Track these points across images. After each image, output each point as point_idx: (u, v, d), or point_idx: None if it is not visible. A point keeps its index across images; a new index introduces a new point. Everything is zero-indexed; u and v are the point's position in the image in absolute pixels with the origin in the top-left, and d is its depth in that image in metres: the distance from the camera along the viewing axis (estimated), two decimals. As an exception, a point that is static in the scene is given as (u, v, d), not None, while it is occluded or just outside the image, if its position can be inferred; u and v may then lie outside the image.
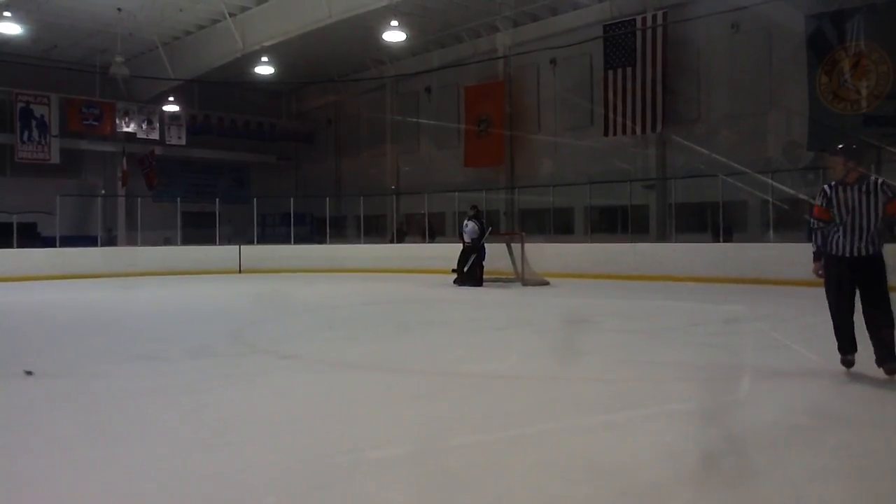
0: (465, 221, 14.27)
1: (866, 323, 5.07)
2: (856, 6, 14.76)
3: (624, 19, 18.49)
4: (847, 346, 5.22)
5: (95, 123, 23.42)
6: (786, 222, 14.92)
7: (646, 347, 6.93)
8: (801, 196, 14.26)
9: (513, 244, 14.48)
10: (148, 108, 24.41)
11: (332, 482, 3.24)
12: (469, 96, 22.48)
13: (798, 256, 13.22)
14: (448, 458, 3.58)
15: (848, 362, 5.24)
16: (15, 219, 18.26)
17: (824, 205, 5.13)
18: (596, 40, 18.76)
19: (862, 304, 5.10)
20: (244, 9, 19.90)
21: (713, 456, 3.59)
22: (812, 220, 5.27)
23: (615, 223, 18.44)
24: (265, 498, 3.10)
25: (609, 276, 15.11)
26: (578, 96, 19.91)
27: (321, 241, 22.10)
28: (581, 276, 15.36)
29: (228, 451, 3.69)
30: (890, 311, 4.98)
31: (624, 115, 18.41)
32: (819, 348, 6.16)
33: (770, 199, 14.51)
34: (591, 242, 17.51)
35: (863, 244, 5.01)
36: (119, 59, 20.44)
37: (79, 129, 23.31)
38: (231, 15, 19.91)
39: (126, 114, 23.97)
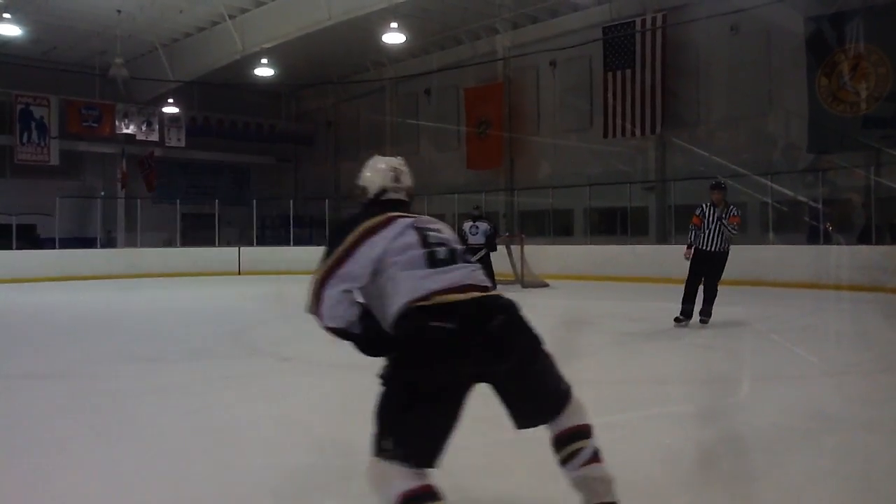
0: (474, 223, 13.51)
1: (703, 289, 7.93)
2: (855, 8, 14.75)
3: (623, 21, 18.49)
4: (687, 309, 7.88)
5: (95, 125, 23.41)
6: (785, 224, 14.93)
7: (646, 349, 6.93)
8: (801, 198, 14.29)
9: (512, 246, 14.47)
10: (147, 109, 24.38)
11: (331, 484, 3.24)
12: (469, 98, 22.48)
13: (797, 258, 13.28)
14: (447, 461, 3.57)
15: (684, 317, 7.88)
16: (14, 220, 18.27)
17: (700, 216, 8.10)
18: (595, 42, 18.75)
19: (704, 279, 7.94)
20: (244, 10, 19.89)
21: (713, 458, 3.59)
22: (691, 225, 8.20)
23: (615, 225, 18.44)
24: (264, 500, 3.10)
25: (609, 278, 15.11)
26: (578, 98, 19.91)
27: (321, 243, 22.05)
28: (581, 277, 15.36)
29: (228, 453, 3.70)
30: (715, 288, 7.95)
31: (623, 117, 18.40)
32: (818, 350, 6.18)
33: (769, 201, 14.53)
34: (591, 244, 17.52)
35: (716, 244, 7.94)
36: (119, 60, 20.43)
37: (78, 131, 23.29)
38: (230, 17, 19.89)
39: (125, 115, 23.94)
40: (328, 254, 2.41)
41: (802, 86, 15.48)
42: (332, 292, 2.37)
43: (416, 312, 2.30)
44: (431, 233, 2.52)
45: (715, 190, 8.20)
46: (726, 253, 8.05)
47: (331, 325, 2.43)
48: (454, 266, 2.46)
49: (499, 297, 2.46)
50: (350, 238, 2.40)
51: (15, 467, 3.50)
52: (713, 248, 7.97)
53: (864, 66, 14.60)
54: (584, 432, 2.54)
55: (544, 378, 2.52)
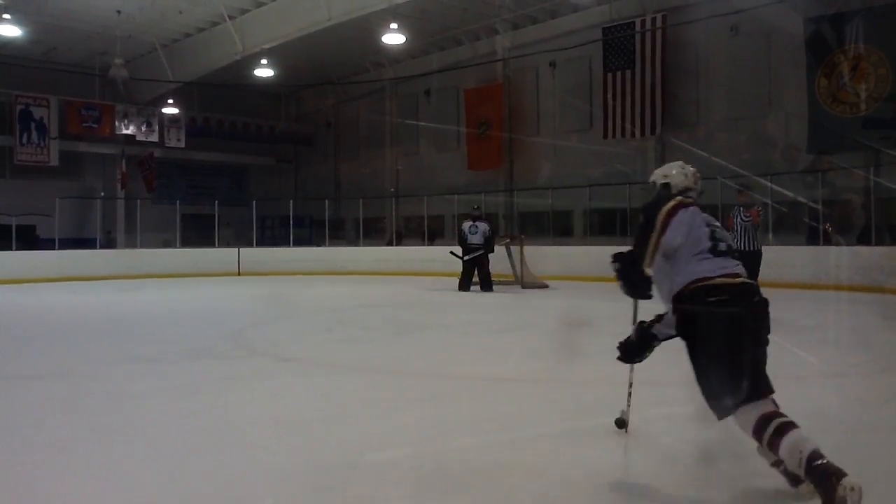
0: (474, 223, 13.54)
1: None
2: (854, 9, 14.77)
3: (623, 22, 18.49)
4: None
5: (95, 126, 23.41)
6: (785, 225, 14.94)
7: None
8: (800, 199, 14.29)
9: (512, 247, 14.46)
10: (147, 110, 24.39)
11: (330, 484, 3.24)
12: (469, 99, 22.48)
13: (797, 259, 13.27)
14: (447, 460, 3.58)
15: None
16: (14, 221, 18.26)
17: (733, 217, 8.96)
18: (595, 43, 18.76)
19: None
20: (243, 11, 19.90)
21: (712, 458, 3.59)
22: (727, 228, 8.91)
23: (614, 226, 18.42)
24: (263, 500, 3.11)
25: (608, 279, 14.84)
26: (578, 99, 19.91)
27: (320, 244, 22.12)
28: (580, 278, 15.35)
29: (227, 454, 3.69)
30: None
31: (623, 118, 18.41)
32: (817, 351, 6.18)
33: (769, 202, 14.54)
34: (591, 245, 17.50)
35: (744, 243, 8.72)
36: (118, 61, 20.44)
37: (78, 132, 23.29)
38: (230, 17, 19.90)
39: (125, 116, 23.94)
40: (654, 213, 3.16)
41: (802, 86, 15.49)
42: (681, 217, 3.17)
43: (700, 287, 3.05)
44: (717, 230, 3.24)
45: (739, 194, 9.49)
46: (757, 252, 8.90)
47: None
48: (729, 259, 3.15)
49: (756, 285, 3.12)
50: (672, 203, 3.20)
51: (14, 468, 3.49)
52: (743, 248, 8.77)
53: (863, 66, 14.61)
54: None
55: (766, 355, 3.11)
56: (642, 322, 3.45)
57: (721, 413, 3.02)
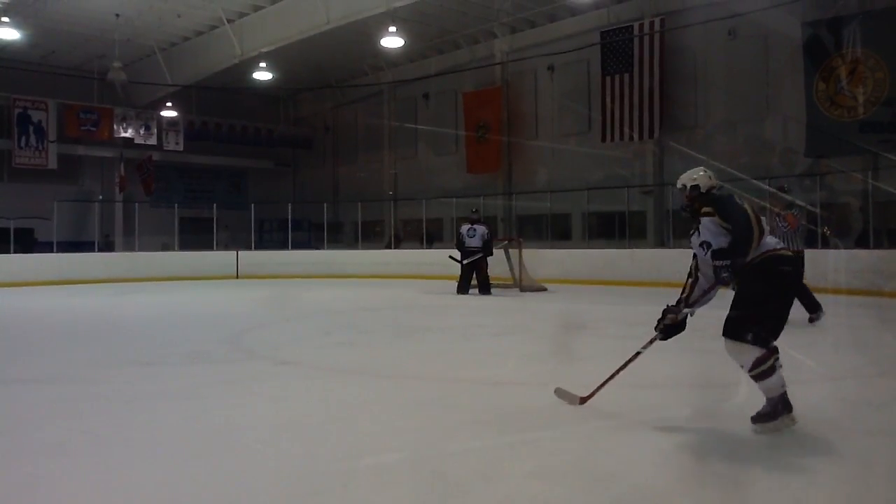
0: (472, 226, 13.50)
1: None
2: (852, 13, 14.81)
3: (621, 26, 18.54)
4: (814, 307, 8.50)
5: (93, 129, 23.40)
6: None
7: (643, 353, 6.91)
8: (798, 202, 14.29)
9: (510, 250, 14.46)
10: (146, 113, 24.39)
11: (328, 488, 3.24)
12: (467, 102, 22.51)
13: (795, 262, 13.30)
14: (445, 464, 3.58)
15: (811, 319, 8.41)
16: (12, 224, 18.23)
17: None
18: (593, 47, 18.81)
19: None
20: (242, 15, 19.93)
21: (709, 462, 3.59)
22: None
23: (613, 229, 18.45)
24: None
25: (607, 283, 15.12)
26: (576, 102, 19.95)
27: (319, 247, 22.12)
28: (579, 282, 15.36)
29: (226, 457, 3.69)
30: (802, 287, 8.10)
31: (621, 122, 18.45)
32: (815, 354, 6.18)
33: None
34: (589, 248, 17.53)
35: (790, 245, 8.28)
36: (117, 64, 20.44)
37: (76, 135, 23.28)
38: (229, 21, 19.93)
39: (124, 119, 23.94)
40: (738, 212, 3.92)
41: (800, 90, 15.53)
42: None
43: (771, 255, 3.91)
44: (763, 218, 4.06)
45: (781, 198, 9.69)
46: (798, 253, 8.69)
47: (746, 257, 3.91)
48: (775, 238, 4.09)
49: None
50: (744, 202, 4.00)
51: (10, 472, 3.49)
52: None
53: (861, 70, 14.65)
54: None
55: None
56: (682, 307, 4.20)
57: (734, 336, 3.82)
